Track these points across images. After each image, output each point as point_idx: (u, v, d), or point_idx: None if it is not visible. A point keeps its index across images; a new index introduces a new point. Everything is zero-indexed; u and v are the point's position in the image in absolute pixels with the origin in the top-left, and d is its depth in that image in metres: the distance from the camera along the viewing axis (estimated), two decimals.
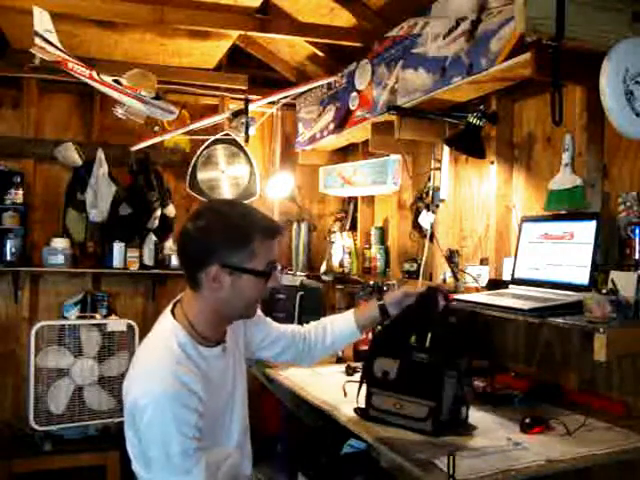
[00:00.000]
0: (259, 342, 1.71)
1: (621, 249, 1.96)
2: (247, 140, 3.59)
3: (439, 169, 2.89)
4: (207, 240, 1.34)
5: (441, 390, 1.78)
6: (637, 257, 1.87)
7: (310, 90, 3.76)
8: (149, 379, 1.31)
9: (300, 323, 2.86)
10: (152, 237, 3.65)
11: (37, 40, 2.72)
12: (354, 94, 3.24)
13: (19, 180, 3.46)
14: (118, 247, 3.58)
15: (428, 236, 2.89)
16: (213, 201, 1.48)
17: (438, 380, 1.78)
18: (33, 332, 3.24)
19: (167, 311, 1.44)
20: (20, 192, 3.44)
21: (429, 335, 1.81)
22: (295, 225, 4.09)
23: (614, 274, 1.82)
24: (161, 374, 1.29)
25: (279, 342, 1.74)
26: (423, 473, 1.50)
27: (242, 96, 3.62)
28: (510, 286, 2.26)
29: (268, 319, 1.75)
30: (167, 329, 1.40)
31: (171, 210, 3.75)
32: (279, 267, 1.44)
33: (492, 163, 2.56)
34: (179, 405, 1.27)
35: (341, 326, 1.78)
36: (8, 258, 3.39)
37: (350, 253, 3.66)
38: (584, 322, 1.71)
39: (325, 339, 1.78)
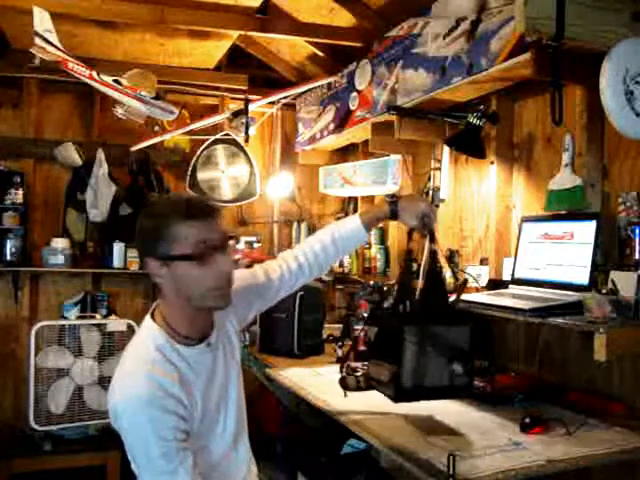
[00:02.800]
0: (260, 307, 1.67)
1: (621, 249, 1.96)
2: (247, 140, 3.59)
3: (439, 169, 2.89)
4: (138, 238, 1.38)
5: (401, 355, 1.70)
6: (637, 257, 1.87)
7: (310, 90, 3.76)
8: (125, 384, 1.31)
9: (300, 323, 2.91)
10: None
11: (37, 40, 2.72)
12: (354, 94, 3.24)
13: (19, 180, 3.46)
14: (118, 247, 3.59)
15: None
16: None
17: (399, 344, 1.70)
18: (33, 332, 3.24)
19: (147, 314, 1.43)
20: (20, 192, 3.44)
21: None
22: (295, 225, 4.09)
23: (614, 274, 1.82)
24: (136, 378, 1.29)
25: (281, 290, 1.68)
26: (423, 473, 1.50)
27: (242, 96, 3.62)
28: (510, 286, 2.26)
29: (257, 278, 1.62)
30: (145, 332, 1.39)
31: None
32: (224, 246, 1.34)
33: (492, 163, 2.56)
34: (155, 408, 1.26)
35: (347, 228, 1.71)
36: (8, 258, 3.40)
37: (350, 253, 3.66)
38: (584, 322, 1.71)
39: (330, 252, 1.70)
